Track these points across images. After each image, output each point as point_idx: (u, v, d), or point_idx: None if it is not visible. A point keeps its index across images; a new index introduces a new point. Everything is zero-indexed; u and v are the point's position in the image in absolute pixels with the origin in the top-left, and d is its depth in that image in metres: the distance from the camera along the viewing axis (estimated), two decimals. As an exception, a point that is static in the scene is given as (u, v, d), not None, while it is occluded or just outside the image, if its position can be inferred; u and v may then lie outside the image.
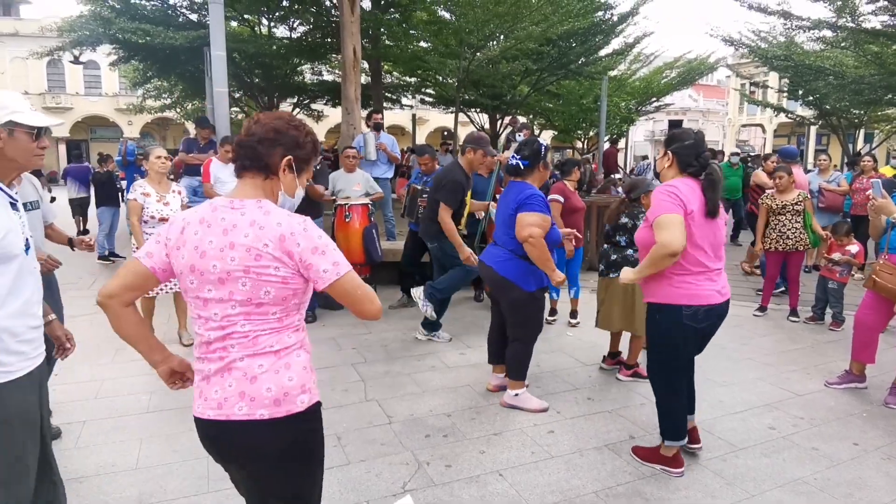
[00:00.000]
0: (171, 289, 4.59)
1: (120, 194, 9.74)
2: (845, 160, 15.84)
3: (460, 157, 4.70)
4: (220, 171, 6.15)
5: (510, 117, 11.01)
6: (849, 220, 6.70)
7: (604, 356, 4.37)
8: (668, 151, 2.84)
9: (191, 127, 21.16)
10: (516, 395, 3.63)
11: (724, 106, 42.23)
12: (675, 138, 2.87)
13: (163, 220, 4.53)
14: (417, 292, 4.64)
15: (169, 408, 3.59)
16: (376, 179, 6.99)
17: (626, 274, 2.94)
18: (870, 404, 3.77)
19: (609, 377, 4.18)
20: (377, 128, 7.82)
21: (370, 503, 2.62)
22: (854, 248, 5.26)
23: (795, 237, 5.41)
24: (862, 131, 20.73)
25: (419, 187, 5.60)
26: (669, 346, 2.84)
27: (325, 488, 2.69)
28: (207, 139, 7.44)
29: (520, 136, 8.37)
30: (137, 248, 4.25)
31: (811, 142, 27.13)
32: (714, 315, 2.78)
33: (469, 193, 4.84)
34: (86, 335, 3.21)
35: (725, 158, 12.56)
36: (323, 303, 5.52)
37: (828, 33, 12.63)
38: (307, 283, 1.57)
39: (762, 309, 5.81)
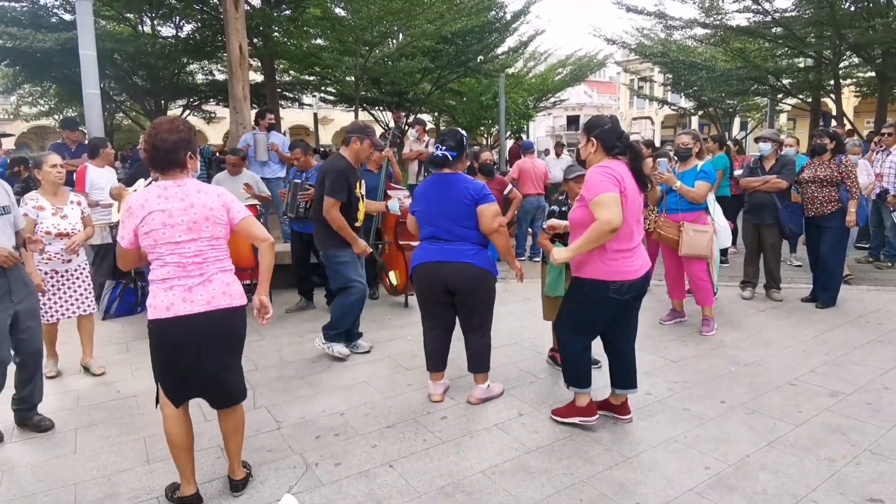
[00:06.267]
0: (72, 314, 4.10)
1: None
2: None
3: (343, 148, 4.36)
4: (98, 177, 5.73)
5: (393, 112, 11.03)
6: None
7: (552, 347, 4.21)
8: (591, 138, 2.97)
9: (71, 135, 19.59)
10: (488, 386, 3.61)
11: (616, 101, 44.73)
12: (594, 125, 3.01)
13: (60, 235, 3.93)
14: (318, 345, 4.38)
15: (35, 435, 3.29)
16: (267, 181, 6.78)
17: (561, 253, 2.99)
18: (736, 364, 4.10)
19: (501, 361, 4.25)
20: (270, 128, 7.58)
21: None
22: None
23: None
24: (737, 119, 22.60)
25: (299, 182, 5.43)
26: (589, 315, 3.04)
27: (205, 501, 2.58)
28: (77, 142, 6.88)
29: (414, 133, 8.44)
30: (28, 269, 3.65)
31: (694, 131, 29.11)
32: (636, 288, 2.99)
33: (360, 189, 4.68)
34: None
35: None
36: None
37: (699, 31, 13.70)
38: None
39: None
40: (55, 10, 12.28)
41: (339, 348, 4.37)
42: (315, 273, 5.84)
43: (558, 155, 10.79)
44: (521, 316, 5.36)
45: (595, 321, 3.10)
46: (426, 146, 8.21)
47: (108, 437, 3.25)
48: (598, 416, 3.16)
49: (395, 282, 5.75)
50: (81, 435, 3.30)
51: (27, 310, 3.23)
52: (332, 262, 4.33)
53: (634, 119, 41.74)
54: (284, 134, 9.13)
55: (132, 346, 4.82)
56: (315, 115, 19.60)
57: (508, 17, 17.06)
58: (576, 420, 3.16)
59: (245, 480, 2.72)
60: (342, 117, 33.64)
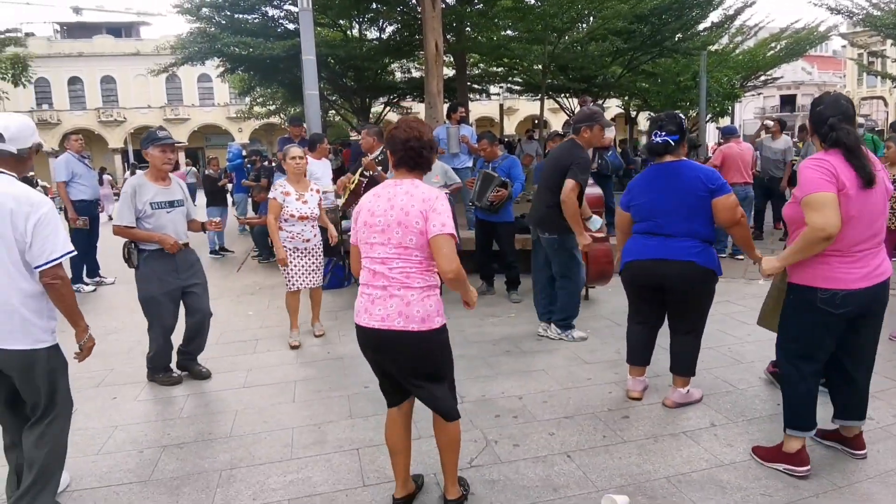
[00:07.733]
0: (305, 285, 4.77)
1: (227, 195, 10.58)
2: None
3: (575, 138, 4.28)
4: (315, 168, 6.51)
5: (580, 98, 10.60)
6: None
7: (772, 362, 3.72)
8: (808, 119, 2.60)
9: (292, 130, 22.37)
10: (688, 391, 3.39)
11: (841, 78, 38.51)
12: (814, 103, 2.59)
13: (302, 218, 4.58)
14: (551, 333, 4.57)
15: (263, 383, 3.92)
16: (456, 171, 7.09)
17: (770, 263, 2.63)
18: None
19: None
20: (461, 121, 7.93)
21: (437, 475, 2.73)
22: None
23: (912, 213, 4.89)
24: None
25: (487, 171, 5.60)
26: (799, 329, 2.60)
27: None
28: (300, 136, 7.88)
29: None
30: (273, 245, 4.69)
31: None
32: (856, 301, 2.47)
33: None
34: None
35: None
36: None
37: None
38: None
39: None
40: (281, 21, 14.09)
41: (578, 333, 4.57)
42: (495, 260, 6.02)
43: (774, 136, 8.80)
44: (720, 319, 4.94)
45: (810, 340, 2.58)
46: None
47: (320, 391, 3.75)
48: (808, 468, 2.62)
49: (576, 274, 5.67)
50: (299, 387, 3.85)
51: (194, 284, 3.92)
52: (567, 247, 4.41)
53: (864, 99, 35.57)
54: (472, 126, 9.47)
55: (339, 315, 5.50)
56: (500, 105, 19.96)
57: (712, -11, 15.59)
58: (780, 468, 2.68)
59: (459, 501, 2.45)
60: (526, 107, 33.78)
